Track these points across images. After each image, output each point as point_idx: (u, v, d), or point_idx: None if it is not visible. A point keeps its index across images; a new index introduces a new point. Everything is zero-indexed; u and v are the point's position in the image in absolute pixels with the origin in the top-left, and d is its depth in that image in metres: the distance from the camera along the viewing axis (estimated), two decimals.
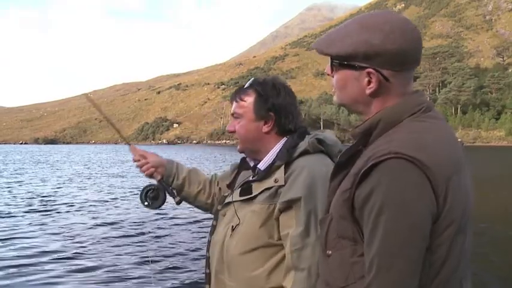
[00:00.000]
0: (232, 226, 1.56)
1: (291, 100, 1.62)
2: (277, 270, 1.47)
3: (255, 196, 1.53)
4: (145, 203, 1.78)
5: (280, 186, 1.48)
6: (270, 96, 1.59)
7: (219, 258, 1.58)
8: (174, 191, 1.81)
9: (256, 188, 1.54)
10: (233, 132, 1.65)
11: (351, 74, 1.05)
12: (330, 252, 1.05)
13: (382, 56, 1.00)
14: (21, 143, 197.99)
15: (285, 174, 1.50)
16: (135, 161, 1.83)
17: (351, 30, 1.05)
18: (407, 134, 0.98)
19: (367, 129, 1.05)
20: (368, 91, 1.04)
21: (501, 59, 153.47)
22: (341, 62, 1.06)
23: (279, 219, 1.48)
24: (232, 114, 1.66)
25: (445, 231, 0.93)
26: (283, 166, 1.52)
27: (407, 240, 0.90)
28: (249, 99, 1.62)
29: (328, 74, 1.12)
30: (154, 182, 1.79)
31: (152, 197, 1.78)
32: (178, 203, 1.81)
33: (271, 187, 1.50)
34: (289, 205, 1.45)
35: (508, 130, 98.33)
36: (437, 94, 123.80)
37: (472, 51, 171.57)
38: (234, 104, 1.65)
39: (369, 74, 1.03)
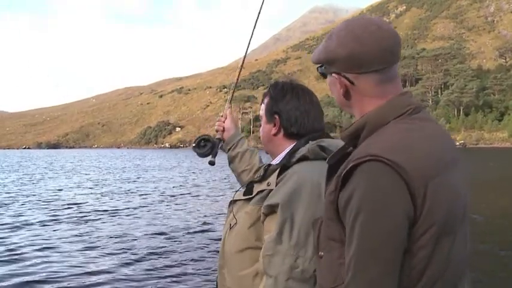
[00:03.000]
0: (230, 224, 1.59)
1: (297, 104, 1.62)
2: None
3: (253, 197, 1.56)
4: (193, 144, 1.96)
5: (271, 190, 1.50)
6: (276, 99, 1.63)
7: (221, 254, 1.63)
8: (217, 153, 1.94)
9: (255, 189, 1.56)
10: None
11: (329, 80, 1.12)
12: (322, 253, 1.07)
13: (337, 60, 1.05)
14: (25, 148, 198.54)
15: (277, 179, 1.51)
16: (220, 116, 2.01)
17: (324, 39, 1.12)
18: (390, 136, 0.98)
19: (354, 132, 1.07)
20: (341, 93, 1.09)
21: (503, 60, 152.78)
22: (318, 69, 1.14)
23: (264, 222, 1.50)
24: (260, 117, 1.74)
25: (426, 233, 0.93)
26: (277, 170, 1.53)
27: (382, 243, 0.91)
28: (266, 102, 1.68)
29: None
30: (217, 136, 1.97)
31: (202, 145, 1.95)
32: (210, 162, 1.94)
33: (263, 190, 1.52)
34: (269, 210, 1.46)
35: (511, 131, 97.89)
36: (439, 96, 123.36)
37: (474, 53, 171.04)
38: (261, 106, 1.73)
39: (336, 78, 1.08)
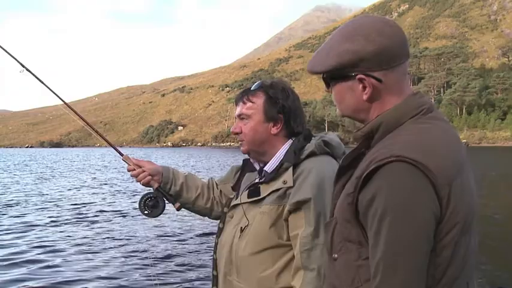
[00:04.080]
0: (241, 227, 1.57)
1: (298, 103, 1.66)
2: (287, 270, 1.49)
3: (264, 198, 1.55)
4: (145, 212, 1.76)
5: (289, 188, 1.50)
6: (280, 98, 1.61)
7: (228, 260, 1.59)
8: (171, 196, 1.80)
9: (264, 190, 1.56)
10: (238, 133, 1.66)
11: (345, 85, 1.07)
12: (336, 255, 1.05)
13: (366, 59, 1.02)
14: (27, 147, 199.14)
15: (293, 176, 1.51)
16: (129, 170, 1.80)
17: (333, 43, 1.07)
18: (409, 137, 0.98)
19: (369, 132, 1.05)
20: (365, 97, 1.04)
21: (506, 59, 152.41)
22: (331, 76, 1.08)
23: (288, 220, 1.49)
24: (239, 116, 1.66)
25: (449, 233, 0.93)
26: (291, 168, 1.53)
27: (411, 244, 0.90)
28: (258, 101, 1.62)
29: (327, 91, 1.14)
30: (151, 190, 1.78)
31: (151, 205, 1.77)
32: (178, 209, 1.81)
33: (279, 188, 1.51)
34: (298, 206, 1.46)
35: None
36: (442, 95, 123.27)
37: (477, 52, 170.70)
38: (241, 105, 1.66)
39: (361, 80, 1.03)
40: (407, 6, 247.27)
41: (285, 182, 1.51)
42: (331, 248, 1.07)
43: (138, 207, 1.78)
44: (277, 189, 1.52)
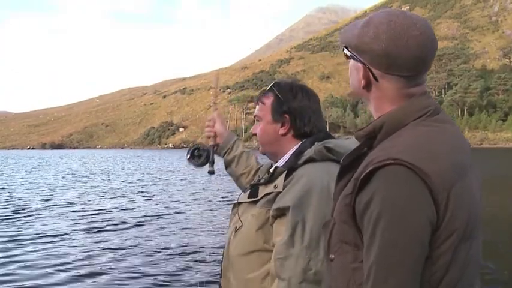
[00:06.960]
0: (236, 227, 1.59)
1: (308, 103, 1.63)
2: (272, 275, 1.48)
3: (259, 200, 1.55)
4: (188, 156, 1.90)
5: (279, 193, 1.49)
6: (286, 98, 1.61)
7: (226, 257, 1.62)
8: (214, 161, 1.88)
9: (261, 192, 1.56)
10: (254, 135, 1.70)
11: (354, 63, 1.08)
12: (333, 256, 1.04)
13: (368, 54, 1.01)
14: (29, 148, 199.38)
15: (285, 181, 1.50)
16: (208, 121, 1.95)
17: (358, 22, 1.08)
18: (410, 139, 0.95)
19: (371, 132, 1.03)
20: (362, 84, 1.05)
21: (507, 60, 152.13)
22: (346, 50, 1.09)
23: (273, 225, 1.49)
24: (255, 117, 1.70)
25: (447, 241, 0.91)
26: (284, 172, 1.52)
27: (405, 251, 0.88)
28: (268, 102, 1.65)
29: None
30: (211, 144, 1.91)
31: (197, 155, 1.88)
32: (210, 172, 1.87)
33: (270, 192, 1.51)
34: (281, 213, 1.46)
35: None
36: (443, 96, 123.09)
37: (478, 53, 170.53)
38: (257, 106, 1.69)
39: (361, 68, 1.04)
40: (408, 7, 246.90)
41: (275, 187, 1.51)
42: (329, 249, 1.06)
43: (187, 151, 1.91)
44: (269, 193, 1.52)
